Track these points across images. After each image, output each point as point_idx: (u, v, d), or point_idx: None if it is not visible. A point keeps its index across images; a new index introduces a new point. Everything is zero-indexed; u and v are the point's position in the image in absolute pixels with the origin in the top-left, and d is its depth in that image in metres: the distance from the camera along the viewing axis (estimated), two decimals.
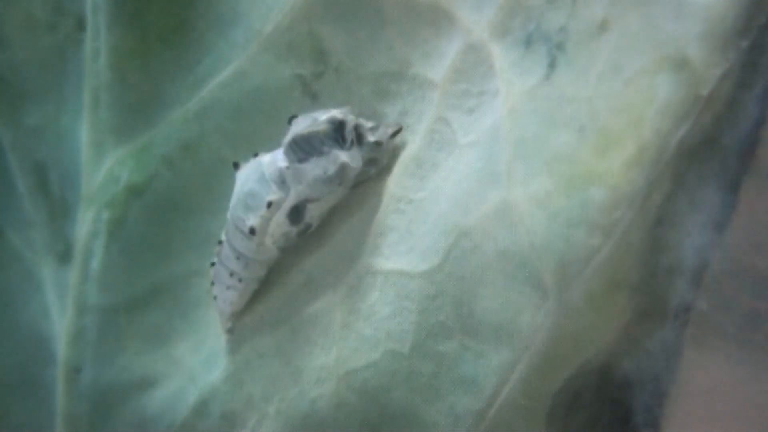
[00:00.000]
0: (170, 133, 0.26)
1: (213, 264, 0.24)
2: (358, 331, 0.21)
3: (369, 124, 0.22)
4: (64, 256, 0.27)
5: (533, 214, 0.18)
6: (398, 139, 0.22)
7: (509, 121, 0.19)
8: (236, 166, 0.23)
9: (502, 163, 0.19)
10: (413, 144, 0.22)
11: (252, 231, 0.22)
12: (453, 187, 0.20)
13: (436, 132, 0.21)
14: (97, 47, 0.26)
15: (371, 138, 0.22)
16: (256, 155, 0.22)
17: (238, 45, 0.25)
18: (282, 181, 0.22)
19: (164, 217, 0.26)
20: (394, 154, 0.22)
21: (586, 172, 0.18)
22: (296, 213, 0.22)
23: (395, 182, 0.22)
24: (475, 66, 0.21)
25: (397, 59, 0.23)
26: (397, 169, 0.22)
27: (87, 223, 0.27)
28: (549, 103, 0.19)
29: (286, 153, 0.22)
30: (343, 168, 0.21)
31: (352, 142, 0.21)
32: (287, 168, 0.21)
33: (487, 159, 0.19)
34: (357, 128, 0.22)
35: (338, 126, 0.21)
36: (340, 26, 0.23)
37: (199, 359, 0.25)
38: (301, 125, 0.21)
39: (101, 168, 0.27)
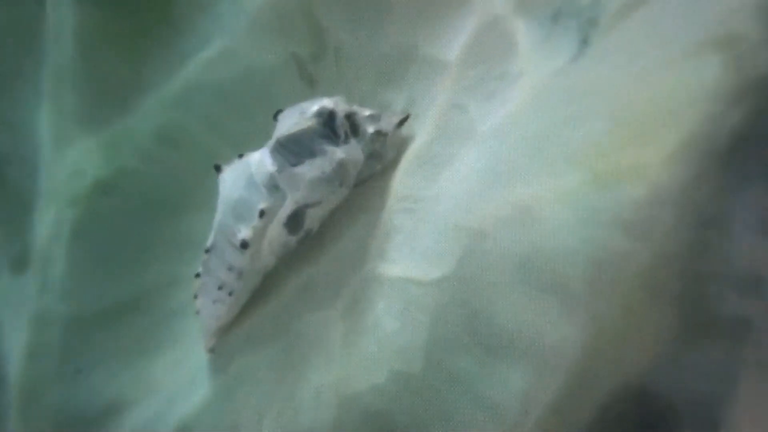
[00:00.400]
0: (145, 121, 0.24)
1: (197, 275, 0.22)
2: (362, 347, 0.19)
3: (366, 112, 0.20)
4: (20, 262, 0.25)
5: (558, 213, 0.16)
6: (405, 129, 0.21)
7: (532, 106, 0.18)
8: (218, 168, 0.21)
9: (511, 159, 0.17)
10: (421, 136, 0.20)
11: (244, 245, 0.20)
12: (465, 184, 0.19)
13: (451, 120, 0.20)
14: (60, 23, 0.24)
15: (371, 128, 0.20)
16: (240, 156, 0.21)
17: (224, 21, 0.23)
18: (274, 186, 0.20)
19: (138, 217, 0.25)
20: (401, 147, 0.21)
21: (619, 166, 0.16)
22: (295, 221, 0.20)
23: (401, 179, 0.20)
24: (496, 44, 0.19)
25: (405, 38, 0.21)
26: (404, 164, 0.20)
27: (46, 223, 0.25)
28: (578, 87, 0.17)
29: (274, 155, 0.20)
30: (341, 165, 0.20)
31: (346, 134, 0.20)
32: (279, 172, 0.20)
33: (496, 154, 0.18)
34: (351, 117, 0.20)
35: (327, 119, 0.20)
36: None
37: (179, 379, 0.24)
38: (287, 121, 0.20)
39: (64, 161, 0.25)
